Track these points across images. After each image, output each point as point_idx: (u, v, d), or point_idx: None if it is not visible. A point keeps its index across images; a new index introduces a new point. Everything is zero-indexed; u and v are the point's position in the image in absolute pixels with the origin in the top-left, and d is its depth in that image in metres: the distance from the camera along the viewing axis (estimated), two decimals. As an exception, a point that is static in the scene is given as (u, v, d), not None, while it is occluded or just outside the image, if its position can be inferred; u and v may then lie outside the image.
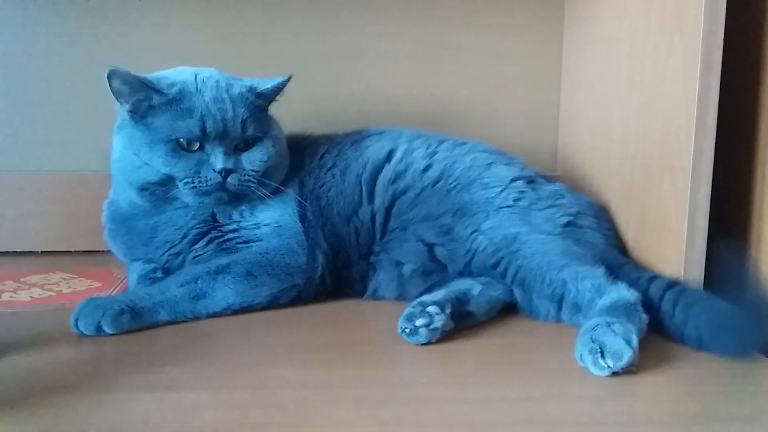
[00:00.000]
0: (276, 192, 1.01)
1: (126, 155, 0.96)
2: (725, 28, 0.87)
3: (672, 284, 0.87)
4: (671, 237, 0.94)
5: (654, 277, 0.90)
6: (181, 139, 0.94)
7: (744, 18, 0.96)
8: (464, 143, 1.10)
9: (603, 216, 1.09)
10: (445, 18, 1.36)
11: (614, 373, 0.73)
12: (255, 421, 0.64)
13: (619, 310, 0.81)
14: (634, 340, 0.75)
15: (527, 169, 1.08)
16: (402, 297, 0.99)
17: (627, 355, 0.73)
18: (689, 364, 0.78)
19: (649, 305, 0.85)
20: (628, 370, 0.73)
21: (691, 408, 0.69)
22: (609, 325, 0.76)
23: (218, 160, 0.94)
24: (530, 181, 1.05)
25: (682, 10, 0.91)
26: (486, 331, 0.89)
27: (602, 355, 0.73)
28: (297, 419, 0.64)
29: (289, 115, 1.06)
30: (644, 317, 0.81)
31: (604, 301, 0.84)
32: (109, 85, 0.93)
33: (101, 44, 1.29)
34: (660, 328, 0.84)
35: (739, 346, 0.78)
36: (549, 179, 1.09)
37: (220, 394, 0.70)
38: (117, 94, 0.94)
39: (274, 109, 1.04)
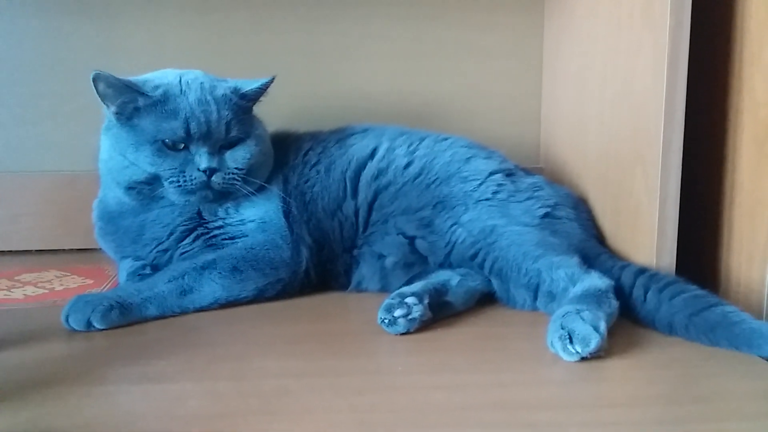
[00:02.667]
0: (261, 189, 1.03)
1: (113, 156, 0.98)
2: (693, 26, 0.90)
3: (642, 271, 0.90)
4: (644, 226, 0.97)
5: (626, 265, 0.93)
6: (167, 140, 0.96)
7: (711, 15, 0.98)
8: (446, 139, 1.12)
9: (581, 207, 1.12)
10: (428, 15, 1.38)
11: (583, 359, 0.76)
12: (235, 409, 0.67)
13: (589, 297, 0.84)
14: (602, 326, 0.78)
15: (506, 163, 1.11)
16: (385, 289, 1.02)
17: (594, 341, 0.76)
18: (656, 348, 0.81)
19: (621, 292, 0.88)
20: (597, 355, 0.76)
21: (654, 390, 0.72)
22: (578, 313, 0.79)
23: (203, 159, 0.97)
24: (509, 174, 1.07)
25: (651, 7, 0.93)
26: (464, 320, 0.92)
27: (571, 341, 0.76)
28: (275, 407, 0.67)
29: (274, 113, 1.08)
30: (614, 304, 0.84)
31: (577, 289, 0.86)
32: (95, 88, 0.95)
33: (89, 46, 1.32)
34: (631, 313, 0.87)
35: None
36: (528, 172, 1.12)
37: (204, 384, 0.73)
38: (103, 97, 0.96)
39: (259, 107, 1.06)
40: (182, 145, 0.97)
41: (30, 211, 1.33)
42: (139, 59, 1.31)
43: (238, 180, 0.99)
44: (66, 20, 1.32)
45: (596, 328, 0.77)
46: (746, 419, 0.65)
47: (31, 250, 1.34)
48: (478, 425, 0.63)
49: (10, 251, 1.33)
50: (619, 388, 0.73)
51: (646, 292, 0.87)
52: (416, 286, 0.92)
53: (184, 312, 0.94)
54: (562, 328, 0.78)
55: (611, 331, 0.80)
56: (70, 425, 0.64)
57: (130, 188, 0.99)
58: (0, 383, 0.72)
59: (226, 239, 1.02)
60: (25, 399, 0.69)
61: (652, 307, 0.86)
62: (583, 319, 0.78)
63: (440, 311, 0.91)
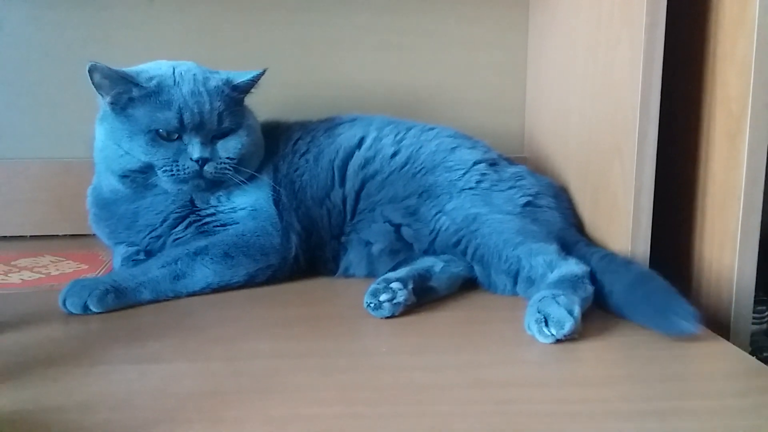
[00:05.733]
0: (251, 178, 1.06)
1: (108, 145, 1.01)
2: (668, 23, 0.93)
3: (605, 255, 0.94)
4: (620, 216, 1.01)
5: (597, 251, 0.97)
6: (160, 130, 0.99)
7: (686, 12, 1.02)
8: (431, 129, 1.15)
9: (562, 196, 1.15)
10: (416, 8, 1.41)
11: (558, 341, 0.80)
12: (227, 388, 0.70)
13: (565, 283, 0.87)
14: (577, 310, 0.82)
15: (490, 152, 1.14)
16: (372, 275, 1.05)
17: (569, 324, 0.79)
18: (627, 331, 0.84)
19: (593, 277, 0.91)
20: (571, 338, 0.80)
21: (624, 370, 0.76)
22: (554, 297, 0.83)
23: (195, 149, 0.99)
24: (492, 164, 1.11)
25: (628, 4, 0.97)
26: (447, 304, 0.95)
27: (546, 324, 0.80)
28: (265, 385, 0.71)
29: (265, 103, 1.11)
30: (590, 289, 0.88)
31: (554, 275, 0.90)
32: (91, 79, 0.97)
33: (81, 36, 1.34)
34: (597, 298, 0.90)
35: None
36: (512, 162, 1.15)
37: (197, 364, 0.76)
38: (98, 87, 0.99)
39: (250, 97, 1.09)
40: (175, 135, 0.99)
41: (24, 198, 1.35)
42: (130, 49, 1.34)
43: (229, 169, 1.02)
44: (59, 10, 1.33)
45: (571, 312, 0.81)
46: (707, 397, 0.69)
47: (26, 236, 1.36)
48: (456, 402, 0.67)
49: (5, 237, 1.35)
50: (590, 368, 0.77)
51: (604, 276, 0.90)
52: (401, 271, 0.96)
53: (177, 296, 0.97)
54: (539, 312, 0.82)
55: (586, 314, 0.84)
56: (70, 403, 0.67)
57: (124, 176, 1.01)
58: (2, 364, 0.75)
59: (217, 226, 1.04)
60: (27, 378, 0.72)
61: (607, 290, 0.89)
62: (559, 304, 0.82)
63: (424, 296, 0.94)
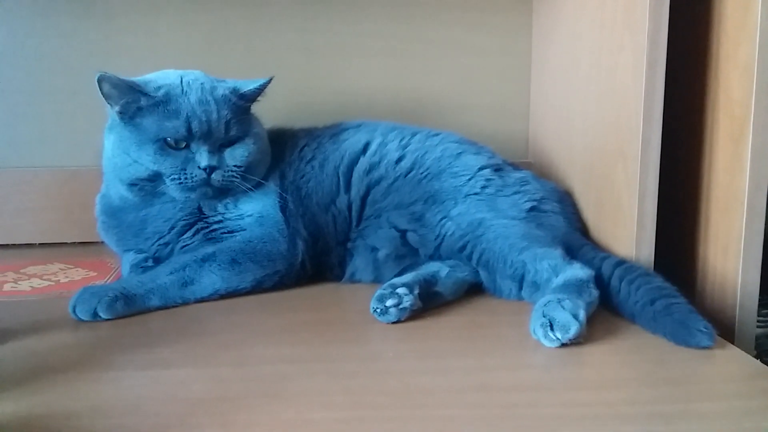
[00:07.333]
0: (258, 185, 1.07)
1: (116, 153, 1.02)
2: (671, 27, 0.94)
3: (621, 263, 0.94)
4: (624, 220, 1.01)
5: (607, 257, 0.97)
6: (169, 139, 1.00)
7: (689, 16, 1.03)
8: (436, 134, 1.16)
9: (566, 201, 1.16)
10: (419, 14, 1.42)
11: (563, 345, 0.80)
12: (236, 393, 0.71)
13: (570, 287, 0.88)
14: (582, 314, 0.82)
15: (495, 158, 1.15)
16: (378, 280, 1.06)
17: (574, 328, 0.80)
18: (632, 335, 0.85)
19: (601, 282, 0.92)
20: (576, 342, 0.81)
21: (629, 374, 0.76)
22: (559, 302, 0.83)
23: (203, 157, 1.00)
24: (497, 169, 1.11)
25: (631, 9, 0.97)
26: (452, 309, 0.96)
27: (552, 329, 0.81)
28: (273, 390, 0.72)
29: (271, 109, 1.12)
30: (595, 293, 0.89)
31: (559, 279, 0.91)
32: (100, 88, 0.99)
33: (90, 46, 1.35)
34: (609, 303, 0.92)
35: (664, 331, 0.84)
36: (516, 167, 1.16)
37: (206, 370, 0.77)
38: (107, 97, 1.00)
39: (256, 104, 1.10)
40: (183, 144, 1.01)
41: (33, 206, 1.37)
42: (137, 57, 1.35)
43: (236, 177, 1.03)
44: (67, 20, 1.35)
45: (576, 316, 0.81)
46: (712, 400, 0.70)
47: (35, 244, 1.38)
48: (462, 406, 0.68)
49: (15, 244, 1.37)
50: (595, 372, 0.78)
51: (620, 283, 0.91)
52: (407, 277, 0.96)
53: (185, 303, 0.98)
54: (544, 316, 0.82)
55: (591, 318, 0.85)
56: (81, 408, 0.68)
57: (132, 185, 1.03)
58: (13, 370, 0.77)
59: (225, 233, 1.05)
60: (38, 384, 0.73)
61: (623, 297, 0.90)
62: (564, 308, 0.82)
63: (430, 301, 0.95)
